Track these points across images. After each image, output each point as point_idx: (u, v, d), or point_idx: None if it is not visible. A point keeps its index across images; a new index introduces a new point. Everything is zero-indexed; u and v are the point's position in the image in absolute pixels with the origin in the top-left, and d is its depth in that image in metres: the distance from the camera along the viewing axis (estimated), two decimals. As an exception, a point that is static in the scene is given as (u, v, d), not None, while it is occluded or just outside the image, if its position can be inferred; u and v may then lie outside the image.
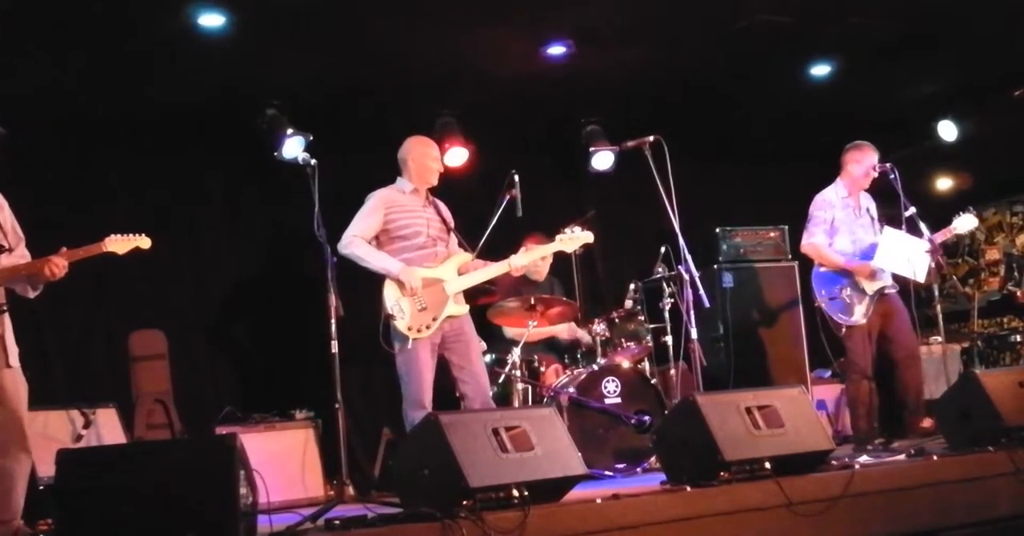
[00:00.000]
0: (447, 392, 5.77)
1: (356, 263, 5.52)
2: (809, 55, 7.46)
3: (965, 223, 6.67)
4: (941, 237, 6.56)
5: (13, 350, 4.53)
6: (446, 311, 5.49)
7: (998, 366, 8.31)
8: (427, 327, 5.42)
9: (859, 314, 6.33)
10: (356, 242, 5.50)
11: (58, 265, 4.52)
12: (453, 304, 5.52)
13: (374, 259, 5.48)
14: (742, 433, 4.45)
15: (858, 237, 6.47)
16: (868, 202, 6.63)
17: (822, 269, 6.50)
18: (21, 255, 4.64)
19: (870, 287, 6.34)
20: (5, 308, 4.53)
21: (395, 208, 5.61)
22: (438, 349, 5.51)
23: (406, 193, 5.69)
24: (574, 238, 5.86)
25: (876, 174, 6.46)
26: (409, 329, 5.38)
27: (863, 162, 6.47)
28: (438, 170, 5.80)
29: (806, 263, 7.08)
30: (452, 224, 5.79)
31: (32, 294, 4.64)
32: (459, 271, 5.62)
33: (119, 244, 4.79)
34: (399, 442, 6.31)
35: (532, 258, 5.84)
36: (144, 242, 4.87)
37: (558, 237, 5.86)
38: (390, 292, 5.42)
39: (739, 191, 9.01)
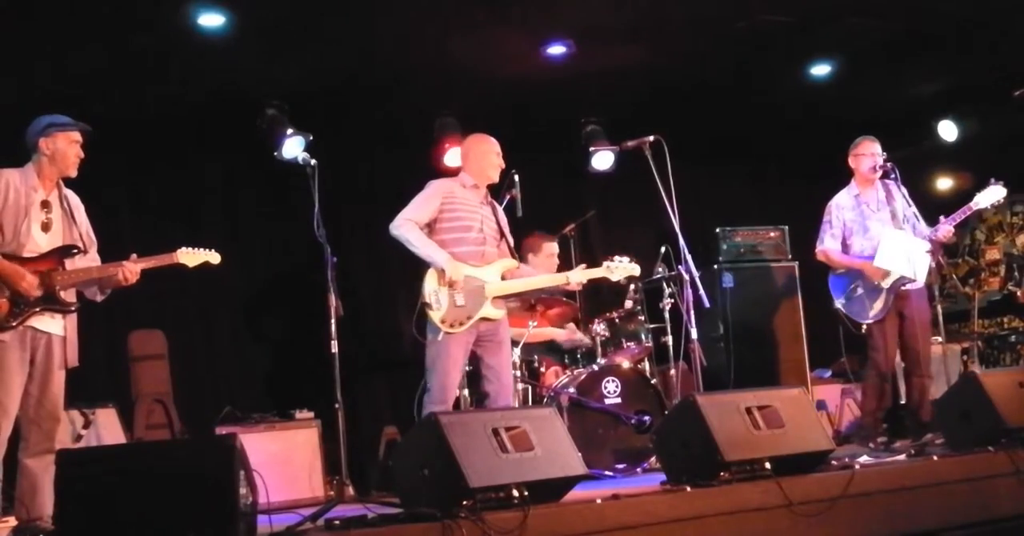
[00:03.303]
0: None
1: (403, 246, 5.43)
2: (809, 55, 7.47)
3: (989, 196, 6.48)
4: (961, 215, 6.43)
5: (75, 353, 4.64)
6: (481, 312, 5.42)
7: (998, 366, 8.32)
8: (460, 324, 5.36)
9: (876, 310, 6.29)
10: (408, 226, 5.41)
11: (131, 271, 4.64)
12: (490, 307, 5.45)
13: (422, 246, 5.39)
14: (742, 433, 4.45)
15: (874, 233, 6.37)
16: (891, 192, 6.46)
17: (836, 272, 6.49)
18: (92, 259, 4.76)
19: (885, 282, 6.31)
20: (75, 308, 4.63)
21: (453, 199, 5.53)
22: (471, 346, 5.45)
23: (467, 187, 5.62)
24: (621, 268, 5.80)
25: (880, 164, 6.37)
26: (442, 322, 5.32)
27: (865, 155, 6.44)
28: (500, 166, 5.70)
29: (806, 263, 7.09)
30: (507, 228, 5.73)
31: (100, 298, 4.79)
32: (503, 276, 5.56)
33: (190, 257, 4.90)
34: (399, 442, 6.31)
35: (585, 278, 5.79)
36: (214, 257, 4.97)
37: (605, 264, 5.80)
38: (430, 281, 5.35)
39: (739, 191, 9.02)
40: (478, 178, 5.65)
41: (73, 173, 4.71)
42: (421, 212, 5.47)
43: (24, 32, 5.82)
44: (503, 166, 5.72)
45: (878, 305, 6.30)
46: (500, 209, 5.78)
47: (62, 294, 4.57)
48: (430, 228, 5.48)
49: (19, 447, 4.51)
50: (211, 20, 5.95)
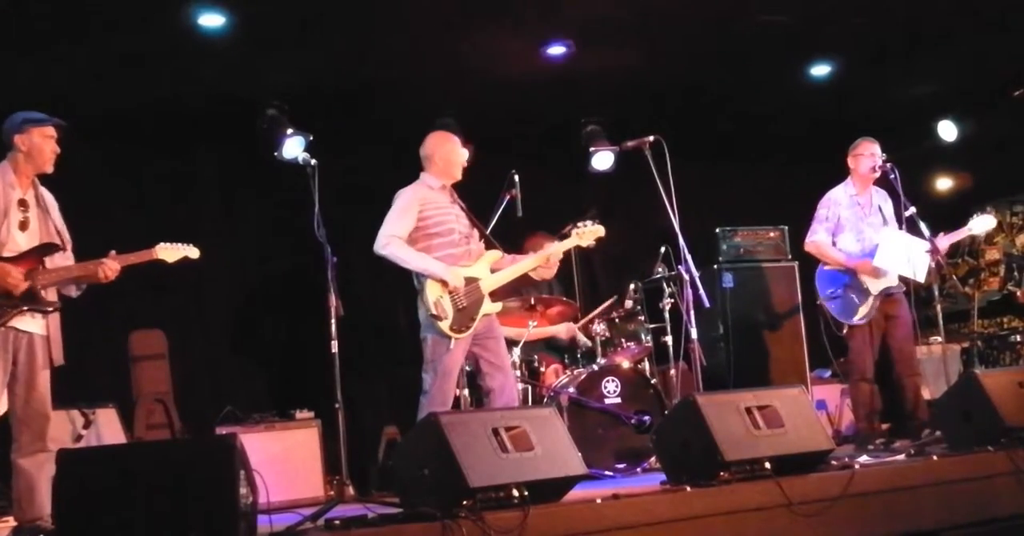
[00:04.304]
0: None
1: (395, 263, 5.43)
2: (809, 55, 7.47)
3: (982, 223, 6.55)
4: (956, 237, 6.46)
5: (59, 351, 4.61)
6: (482, 310, 5.45)
7: (998, 366, 8.30)
8: (467, 327, 5.38)
9: (861, 314, 6.29)
10: (396, 242, 5.39)
11: (112, 268, 4.61)
12: (488, 302, 5.49)
13: (416, 260, 5.38)
14: (742, 433, 4.45)
15: (865, 235, 6.39)
16: (881, 200, 6.52)
17: (826, 268, 6.48)
18: (67, 257, 4.71)
19: (874, 286, 6.31)
20: (57, 307, 4.60)
21: (428, 205, 5.51)
22: (469, 346, 5.46)
23: (435, 189, 5.60)
24: (588, 232, 5.81)
25: (879, 165, 6.39)
26: (452, 329, 5.33)
27: (864, 155, 6.44)
28: (462, 164, 5.70)
29: (806, 263, 7.08)
30: (474, 219, 5.72)
31: (75, 294, 4.72)
32: (492, 269, 5.58)
33: (169, 252, 4.85)
34: (399, 442, 6.31)
35: (562, 250, 5.81)
36: (193, 252, 4.94)
37: (574, 232, 5.81)
38: (431, 293, 5.33)
39: (739, 191, 9.01)
40: (445, 178, 5.64)
41: (49, 169, 4.67)
42: (402, 226, 5.44)
43: (23, 31, 5.81)
44: (466, 163, 5.72)
45: (864, 309, 6.29)
46: (462, 203, 5.74)
47: (43, 293, 4.53)
48: (410, 238, 5.46)
49: (11, 449, 4.48)
50: (211, 20, 5.95)
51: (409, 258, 5.39)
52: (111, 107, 6.76)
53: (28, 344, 4.52)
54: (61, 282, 4.62)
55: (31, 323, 4.52)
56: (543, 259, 5.75)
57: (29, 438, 4.47)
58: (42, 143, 4.63)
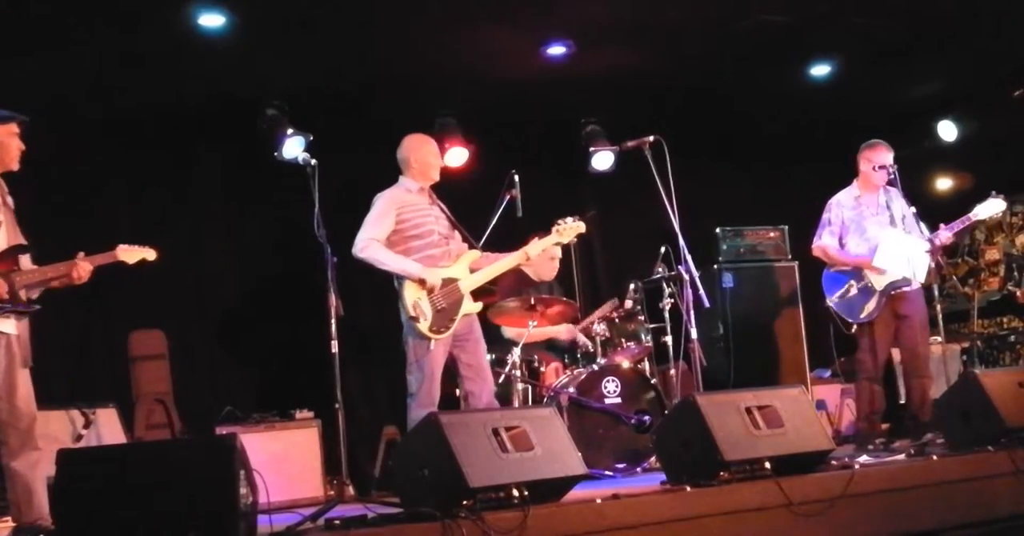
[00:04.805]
0: (448, 392, 5.76)
1: (374, 266, 5.46)
2: (809, 55, 7.48)
3: (988, 208, 6.42)
4: (960, 225, 6.39)
5: (28, 353, 4.55)
6: (462, 309, 5.48)
7: (998, 366, 8.31)
8: (446, 328, 5.40)
9: (867, 311, 6.27)
10: (373, 246, 5.43)
11: (86, 269, 4.58)
12: (468, 302, 5.51)
13: (393, 262, 5.42)
14: (742, 433, 4.45)
15: (869, 235, 6.34)
16: (891, 198, 6.43)
17: (831, 270, 6.47)
18: (28, 258, 4.65)
19: (879, 283, 6.29)
20: (38, 308, 4.54)
21: (406, 208, 5.55)
22: (449, 347, 5.48)
23: (413, 192, 5.64)
24: (569, 228, 5.82)
25: (884, 170, 6.36)
26: (431, 330, 5.35)
27: (872, 160, 6.41)
28: (439, 166, 5.77)
29: (806, 263, 7.08)
30: (454, 220, 5.75)
31: (35, 296, 4.65)
32: (471, 268, 5.61)
33: (128, 253, 4.82)
34: (399, 442, 6.31)
35: (541, 248, 5.81)
36: (150, 254, 4.90)
37: (554, 229, 5.82)
38: (409, 294, 5.37)
39: (739, 191, 9.01)
40: (423, 180, 5.68)
41: (15, 166, 4.60)
42: (381, 229, 5.48)
43: (23, 31, 5.81)
44: (443, 165, 5.77)
45: (870, 306, 6.28)
46: (442, 204, 5.76)
47: (22, 294, 4.46)
48: (389, 241, 5.49)
49: (1, 453, 4.43)
50: (211, 20, 5.96)
51: (387, 260, 5.43)
52: (111, 107, 6.76)
53: (7, 346, 4.45)
54: (37, 283, 4.54)
55: (8, 325, 4.46)
56: (523, 257, 5.77)
57: (18, 440, 4.41)
58: (8, 140, 4.55)
